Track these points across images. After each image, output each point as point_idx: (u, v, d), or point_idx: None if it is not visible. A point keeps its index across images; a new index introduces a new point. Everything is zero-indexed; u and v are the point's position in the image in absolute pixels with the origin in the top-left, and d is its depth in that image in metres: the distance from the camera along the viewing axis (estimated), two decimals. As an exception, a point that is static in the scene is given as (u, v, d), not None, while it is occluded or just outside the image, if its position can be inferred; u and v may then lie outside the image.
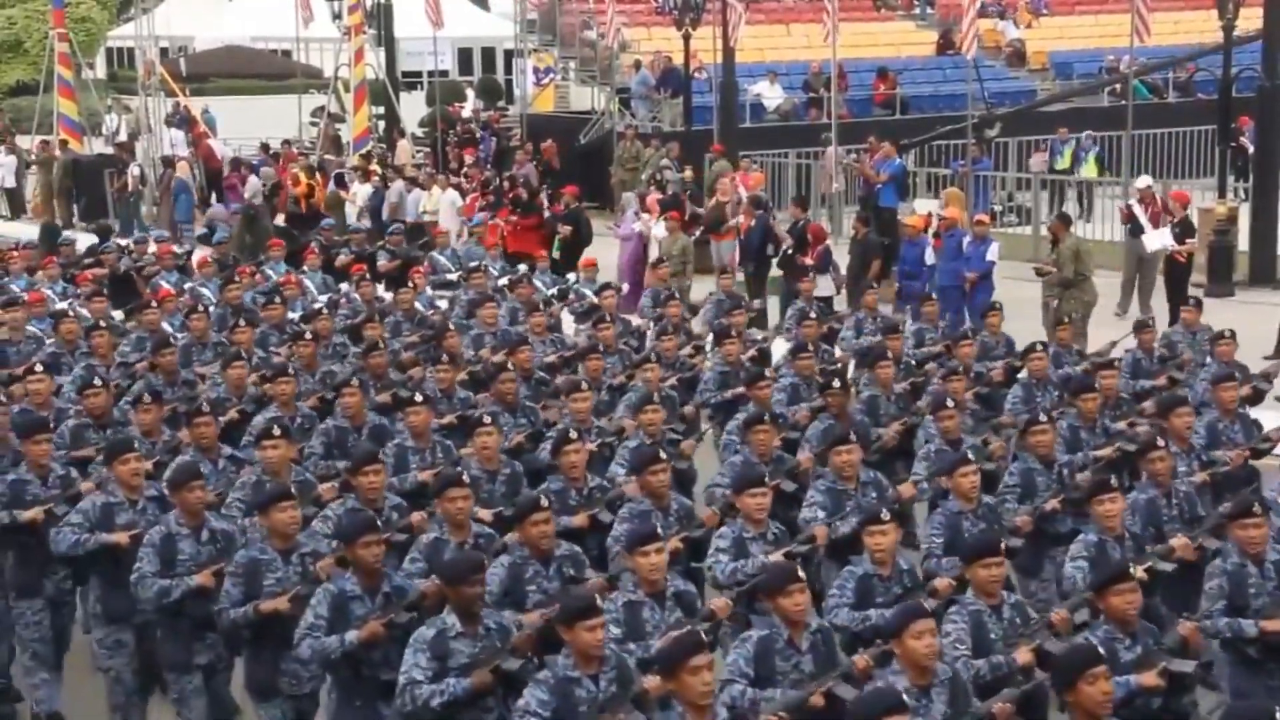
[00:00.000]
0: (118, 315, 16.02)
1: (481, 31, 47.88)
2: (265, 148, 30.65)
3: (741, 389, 12.08)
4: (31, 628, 9.38)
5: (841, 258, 19.55)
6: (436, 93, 36.54)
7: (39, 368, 11.47)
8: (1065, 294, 17.60)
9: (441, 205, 24.33)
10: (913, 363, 13.38)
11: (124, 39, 46.77)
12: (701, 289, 18.58)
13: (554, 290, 17.14)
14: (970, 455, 9.42)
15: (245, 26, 48.37)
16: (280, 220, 25.24)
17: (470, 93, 41.09)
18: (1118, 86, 29.61)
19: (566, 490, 9.25)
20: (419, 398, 10.50)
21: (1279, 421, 11.24)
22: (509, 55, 43.10)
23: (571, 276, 18.26)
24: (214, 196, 29.74)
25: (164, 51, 41.55)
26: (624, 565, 7.99)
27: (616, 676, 6.69)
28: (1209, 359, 12.81)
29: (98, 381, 11.06)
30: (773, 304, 18.99)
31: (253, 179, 27.56)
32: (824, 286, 18.60)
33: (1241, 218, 22.18)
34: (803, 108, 30.52)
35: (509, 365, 11.85)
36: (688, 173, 25.12)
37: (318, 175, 26.91)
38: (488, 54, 48.90)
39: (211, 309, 15.40)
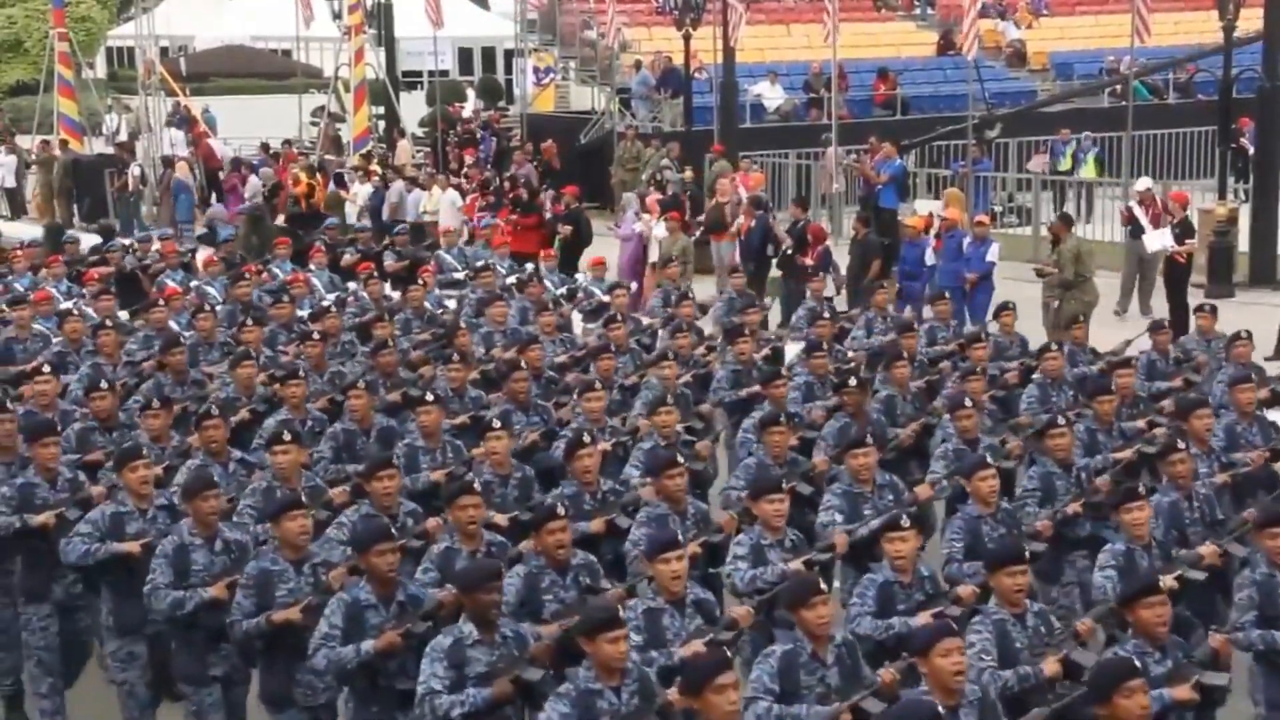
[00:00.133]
0: (123, 315, 15.96)
1: (482, 31, 47.87)
2: (265, 148, 30.64)
3: (755, 388, 12.04)
4: (37, 634, 9.25)
5: (841, 258, 19.55)
6: (436, 93, 36.54)
7: (46, 368, 11.36)
8: (1066, 295, 17.59)
9: (441, 205, 24.33)
10: (925, 361, 13.32)
11: (124, 38, 46.76)
12: (701, 289, 18.56)
13: (562, 290, 17.09)
14: (988, 456, 9.34)
15: (245, 26, 48.35)
16: (280, 220, 25.21)
17: (470, 93, 41.07)
18: (1118, 87, 29.60)
19: (580, 494, 9.15)
20: (430, 397, 10.42)
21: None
22: (509, 55, 43.09)
23: (580, 276, 18.23)
24: (214, 196, 29.73)
25: (164, 51, 41.55)
26: (642, 571, 7.92)
27: (639, 689, 6.60)
28: (1225, 361, 12.72)
29: (104, 384, 10.97)
30: (773, 305, 18.97)
31: (253, 179, 27.58)
32: (824, 287, 18.60)
33: (1241, 218, 22.18)
34: (803, 108, 30.52)
35: (522, 364, 11.77)
36: (688, 173, 25.13)
37: (318, 175, 26.90)
38: (488, 54, 48.88)
39: (218, 307, 15.35)
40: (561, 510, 7.90)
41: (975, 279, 17.97)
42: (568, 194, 23.11)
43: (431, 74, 38.60)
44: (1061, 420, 9.96)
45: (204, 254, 20.12)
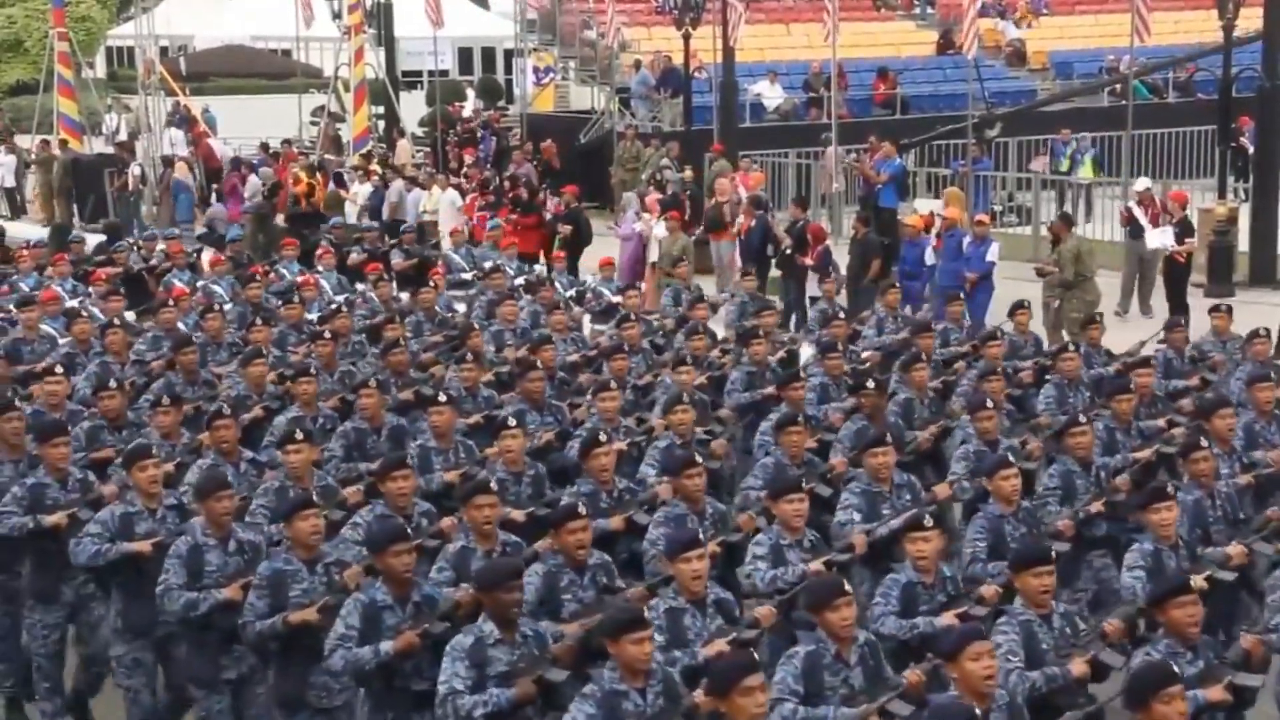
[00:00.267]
0: (129, 315, 15.94)
1: (481, 31, 47.88)
2: (265, 147, 30.64)
3: (770, 390, 12.01)
4: (39, 640, 9.21)
5: (841, 258, 19.55)
6: (436, 92, 36.54)
7: (58, 369, 11.32)
8: (1067, 294, 17.58)
9: (441, 205, 24.33)
10: (940, 362, 13.26)
11: (124, 38, 46.75)
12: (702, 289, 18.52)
13: (571, 291, 17.03)
14: (1010, 457, 9.30)
15: (245, 26, 48.36)
16: (279, 220, 25.19)
17: (470, 92, 41.09)
18: (1118, 86, 29.60)
19: (597, 493, 9.12)
20: (443, 397, 10.36)
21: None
22: (509, 55, 43.11)
23: (589, 278, 18.21)
24: (214, 196, 29.73)
25: (164, 51, 41.54)
26: (660, 571, 7.90)
27: (663, 690, 6.56)
28: (1243, 359, 12.67)
29: (113, 383, 10.93)
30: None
31: (253, 179, 27.56)
32: (823, 286, 18.62)
33: (1241, 218, 22.17)
34: (803, 107, 30.52)
35: (537, 364, 11.74)
36: (688, 173, 25.12)
37: (318, 175, 26.90)
38: (488, 54, 48.91)
39: (227, 307, 15.31)
40: (583, 509, 7.86)
41: (975, 279, 17.95)
42: (568, 194, 23.12)
43: (431, 74, 38.61)
44: (1082, 419, 9.93)
45: (210, 254, 20.08)
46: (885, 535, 8.74)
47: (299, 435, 9.18)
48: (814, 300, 18.43)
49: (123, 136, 34.37)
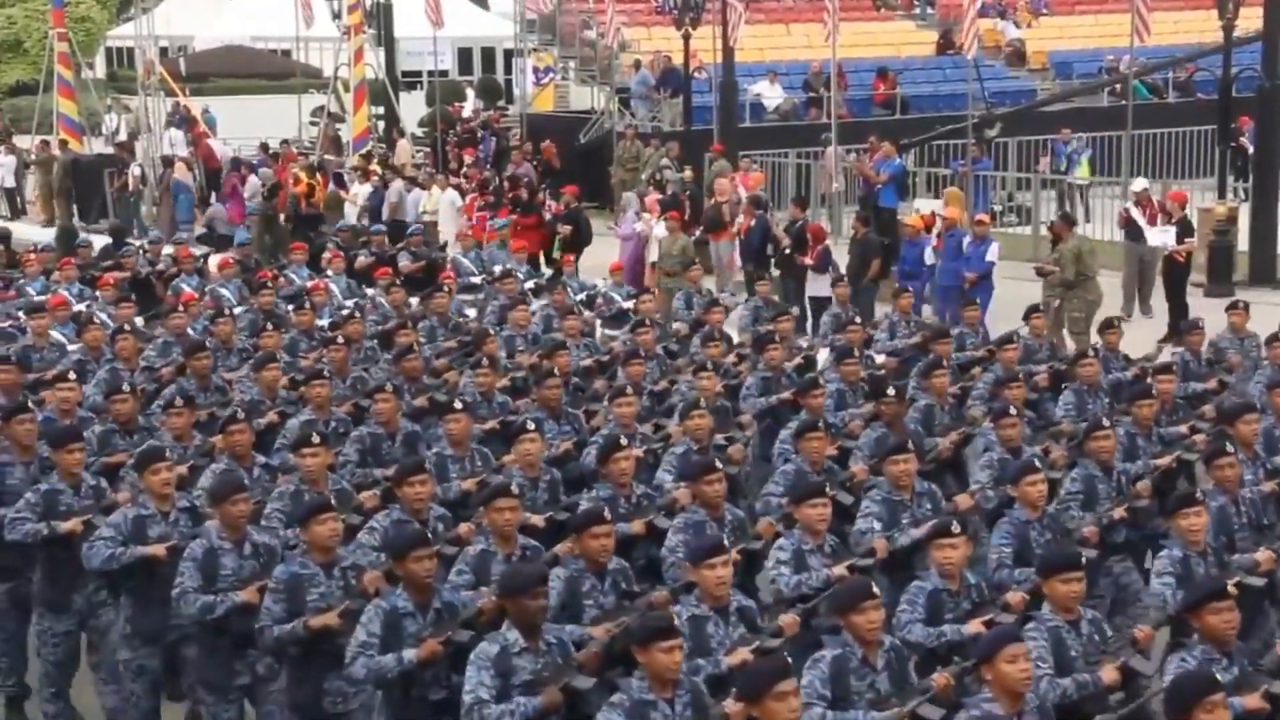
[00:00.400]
0: (138, 321, 15.89)
1: (481, 31, 47.88)
2: (265, 148, 30.64)
3: (786, 395, 11.95)
4: (49, 647, 9.17)
5: (841, 257, 19.54)
6: (436, 92, 36.54)
7: (71, 375, 11.28)
8: (1068, 294, 17.56)
9: (441, 205, 24.33)
10: (956, 367, 13.14)
11: (124, 39, 46.76)
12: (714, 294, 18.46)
13: (581, 295, 16.91)
14: (1037, 463, 9.23)
15: (245, 26, 48.36)
16: (283, 222, 25.18)
17: (470, 92, 41.09)
18: (1117, 86, 29.61)
19: (615, 498, 9.06)
20: (458, 405, 10.27)
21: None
22: (509, 55, 43.09)
23: (598, 281, 18.18)
24: (213, 196, 29.73)
25: (164, 51, 41.53)
26: (680, 578, 7.86)
27: (691, 700, 6.50)
28: (1262, 362, 12.61)
29: (125, 387, 10.89)
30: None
31: (252, 179, 27.54)
32: (823, 287, 18.62)
33: (1241, 218, 22.17)
34: (803, 107, 30.52)
35: (554, 371, 11.64)
36: (687, 173, 25.11)
37: (318, 175, 26.89)
38: (488, 54, 48.90)
39: (237, 311, 15.24)
40: (608, 514, 7.81)
41: (974, 278, 17.94)
42: (567, 194, 23.12)
43: (431, 74, 38.61)
44: (1105, 423, 9.88)
45: (217, 257, 20.03)
46: (906, 544, 8.68)
47: (315, 439, 9.11)
48: (814, 300, 18.44)
49: (122, 137, 34.38)
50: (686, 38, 27.43)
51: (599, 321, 16.38)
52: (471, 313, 16.28)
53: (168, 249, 20.03)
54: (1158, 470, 10.04)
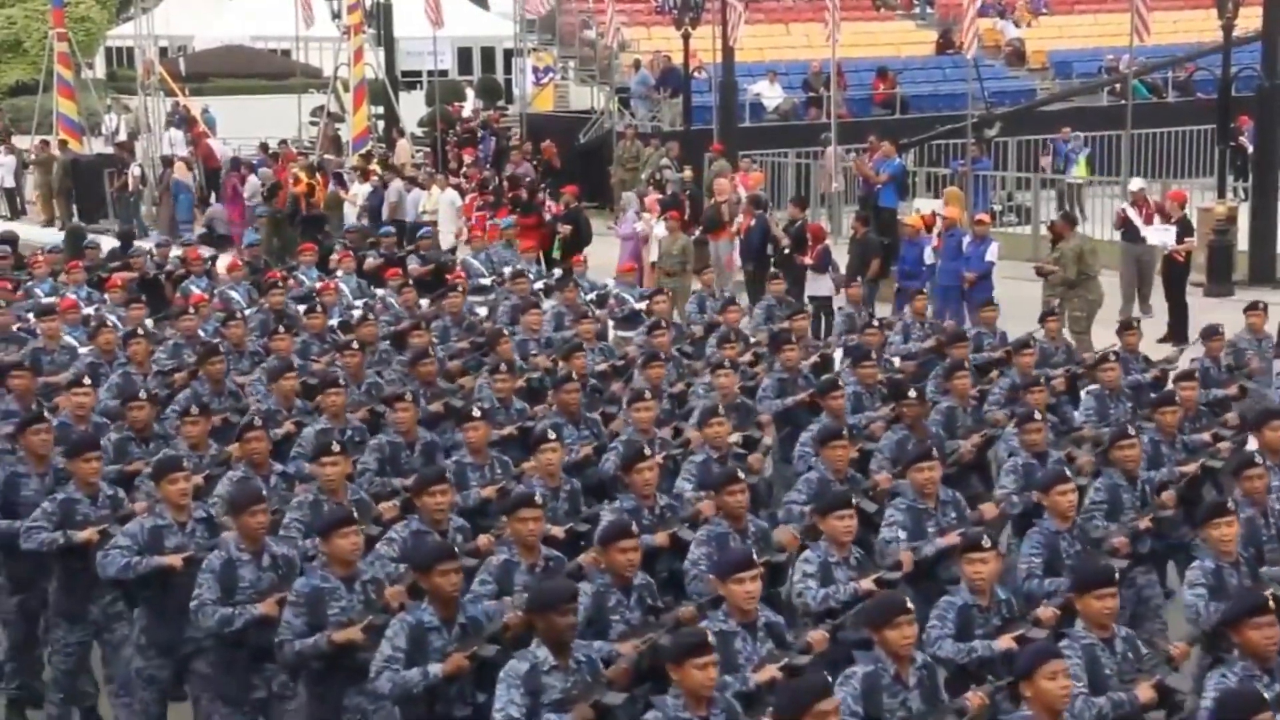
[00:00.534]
0: (148, 322, 15.82)
1: (481, 31, 47.87)
2: (264, 148, 30.65)
3: (802, 396, 11.85)
4: (60, 656, 9.09)
5: (841, 257, 19.55)
6: (436, 92, 36.53)
7: (86, 380, 11.18)
8: (1069, 294, 17.55)
9: (441, 205, 24.32)
10: (974, 369, 12.89)
11: (123, 38, 46.77)
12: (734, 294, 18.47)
13: (591, 295, 16.73)
14: (1067, 472, 9.10)
15: (245, 26, 48.36)
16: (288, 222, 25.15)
17: (470, 92, 41.09)
18: (1117, 86, 29.61)
19: (639, 509, 8.88)
20: (477, 412, 10.14)
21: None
22: (509, 55, 43.09)
23: (609, 282, 18.16)
24: (213, 196, 29.75)
25: (163, 51, 41.53)
26: (703, 591, 7.79)
27: (727, 718, 6.38)
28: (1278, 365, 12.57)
29: (143, 395, 10.79)
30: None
31: (252, 179, 27.55)
32: (823, 286, 18.63)
33: (1241, 217, 22.18)
34: (802, 107, 30.52)
35: (573, 374, 11.47)
36: (687, 172, 25.12)
37: (318, 175, 26.89)
38: (487, 53, 48.90)
39: (247, 313, 15.14)
40: (635, 529, 7.70)
41: (974, 278, 17.95)
42: (567, 194, 23.12)
43: (431, 74, 38.59)
44: (1131, 431, 9.72)
45: (226, 259, 19.98)
46: (931, 554, 8.58)
47: (335, 448, 8.99)
48: (814, 300, 18.44)
49: (122, 137, 34.38)
50: (686, 37, 27.44)
51: (611, 323, 16.24)
52: (482, 312, 16.16)
53: (175, 251, 19.94)
54: (1183, 479, 9.90)
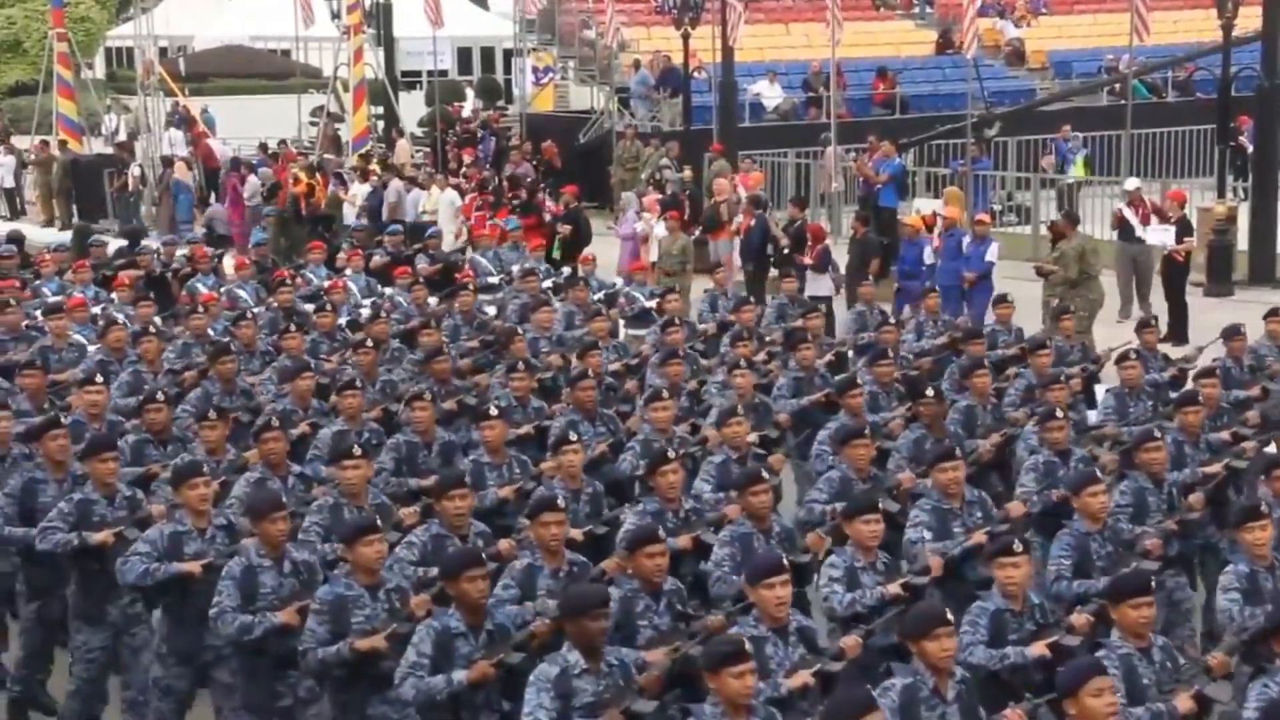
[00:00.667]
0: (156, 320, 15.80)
1: (481, 31, 47.90)
2: (264, 148, 30.65)
3: (819, 396, 11.80)
4: (81, 664, 8.97)
5: (840, 257, 19.55)
6: (436, 92, 36.54)
7: (97, 378, 11.13)
8: (1071, 293, 17.54)
9: (441, 205, 24.30)
10: (991, 366, 12.77)
11: (123, 39, 46.78)
12: (700, 288, 18.52)
13: (601, 294, 16.65)
14: (1098, 473, 8.98)
15: (244, 26, 48.42)
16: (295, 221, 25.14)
17: (470, 92, 41.09)
18: (1117, 86, 29.61)
19: (663, 512, 8.79)
20: (494, 411, 10.08)
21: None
22: (508, 55, 43.10)
23: (618, 281, 18.09)
24: (213, 196, 29.75)
25: (163, 51, 41.54)
26: (726, 594, 7.71)
27: None
28: None
29: (160, 396, 10.72)
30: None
31: (252, 179, 27.56)
32: (823, 286, 18.63)
33: (1241, 217, 22.16)
34: (802, 107, 30.52)
35: (589, 372, 11.38)
36: (687, 172, 25.13)
37: (318, 175, 26.89)
38: (487, 53, 48.94)
39: (257, 311, 15.10)
40: (662, 533, 7.61)
41: (974, 278, 17.95)
42: (567, 194, 23.12)
43: (430, 74, 38.61)
44: (1157, 433, 9.62)
45: (233, 257, 19.96)
46: (958, 557, 8.46)
47: (357, 451, 8.90)
48: (814, 300, 18.42)
49: (122, 137, 34.40)
50: (686, 37, 27.43)
51: (622, 322, 16.20)
52: (491, 311, 16.11)
53: (181, 249, 19.92)
54: (1209, 481, 9.78)
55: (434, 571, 7.91)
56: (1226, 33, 22.61)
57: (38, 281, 17.80)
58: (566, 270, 18.64)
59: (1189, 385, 11.80)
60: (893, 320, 14.05)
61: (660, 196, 23.29)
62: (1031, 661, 7.29)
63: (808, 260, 18.88)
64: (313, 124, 35.14)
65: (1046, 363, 12.44)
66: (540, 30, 35.10)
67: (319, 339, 14.05)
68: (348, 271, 17.88)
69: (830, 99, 26.80)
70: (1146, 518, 9.20)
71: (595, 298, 16.15)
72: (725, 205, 22.14)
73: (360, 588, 7.55)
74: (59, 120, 32.08)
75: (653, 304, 15.94)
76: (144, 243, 21.00)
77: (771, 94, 30.42)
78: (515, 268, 17.84)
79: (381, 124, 33.81)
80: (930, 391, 10.81)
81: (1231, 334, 13.00)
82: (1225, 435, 10.85)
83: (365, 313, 15.81)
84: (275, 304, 15.71)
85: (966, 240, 18.39)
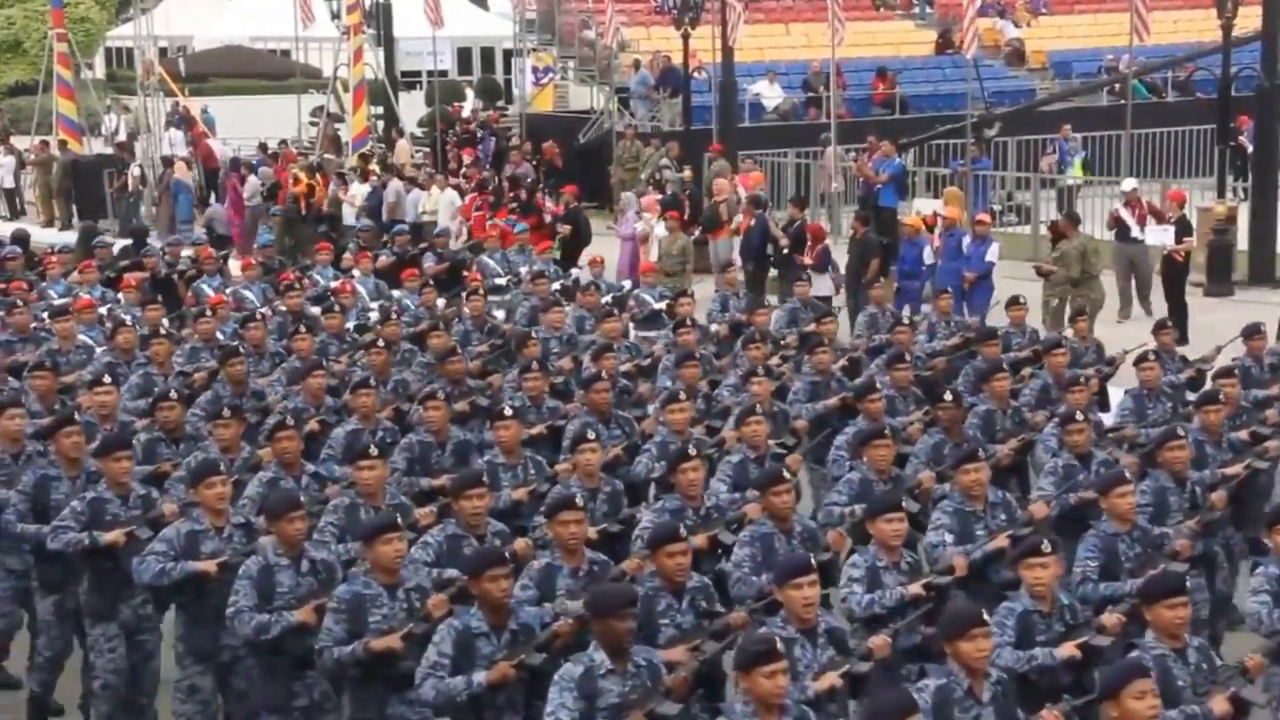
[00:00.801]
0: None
1: (481, 31, 47.89)
2: (264, 148, 30.66)
3: (834, 400, 11.77)
4: (104, 656, 8.85)
5: (840, 257, 19.56)
6: (436, 92, 36.55)
7: (106, 379, 11.10)
8: (1073, 293, 17.52)
9: (440, 205, 24.32)
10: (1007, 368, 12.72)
11: (123, 39, 46.78)
12: (701, 289, 18.55)
13: (609, 296, 16.60)
14: (1127, 474, 8.88)
15: (244, 26, 48.41)
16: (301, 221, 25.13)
17: (469, 92, 41.09)
18: (1117, 86, 29.62)
19: (683, 510, 8.72)
20: (508, 411, 10.02)
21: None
22: (508, 55, 43.12)
23: (627, 284, 18.04)
24: (213, 196, 29.76)
25: (163, 51, 41.55)
26: (745, 594, 7.68)
27: None
28: None
29: (174, 394, 10.71)
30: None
31: (252, 179, 27.57)
32: (823, 286, 18.63)
33: (1240, 217, 22.17)
34: (802, 107, 30.52)
35: (603, 374, 11.31)
36: (687, 172, 25.13)
37: (318, 175, 26.89)
38: (487, 54, 48.92)
39: (265, 313, 15.04)
40: (684, 532, 7.54)
41: (974, 278, 17.95)
42: (567, 194, 23.12)
43: (430, 74, 38.61)
44: (1180, 432, 9.54)
45: (239, 258, 19.92)
46: (980, 557, 8.40)
47: (374, 451, 8.82)
48: (819, 299, 18.43)
49: (122, 137, 34.39)
50: (686, 37, 27.44)
51: (632, 324, 16.12)
52: (500, 314, 16.06)
53: (186, 250, 19.88)
54: (1232, 480, 9.70)
55: (450, 572, 7.92)
56: (1226, 33, 22.62)
57: (44, 284, 17.78)
58: (575, 272, 18.59)
59: (1209, 385, 11.72)
60: (907, 321, 13.95)
61: (660, 196, 23.31)
62: (1060, 663, 7.25)
63: (808, 260, 18.89)
64: (313, 124, 35.15)
65: (1062, 363, 12.31)
66: (540, 30, 35.12)
67: (327, 340, 14.02)
68: (355, 273, 17.83)
69: (830, 99, 26.81)
70: (1167, 518, 9.13)
71: (604, 300, 16.10)
72: (725, 205, 22.15)
73: (379, 587, 7.50)
74: (59, 120, 32.10)
75: (662, 306, 15.93)
76: (150, 243, 21.04)
77: (771, 94, 30.42)
78: (523, 270, 17.79)
79: (381, 124, 33.83)
80: (949, 395, 10.73)
81: (1252, 333, 12.89)
82: (1244, 434, 10.78)
83: (374, 316, 15.78)
84: (284, 308, 15.66)
85: (966, 240, 18.41)
